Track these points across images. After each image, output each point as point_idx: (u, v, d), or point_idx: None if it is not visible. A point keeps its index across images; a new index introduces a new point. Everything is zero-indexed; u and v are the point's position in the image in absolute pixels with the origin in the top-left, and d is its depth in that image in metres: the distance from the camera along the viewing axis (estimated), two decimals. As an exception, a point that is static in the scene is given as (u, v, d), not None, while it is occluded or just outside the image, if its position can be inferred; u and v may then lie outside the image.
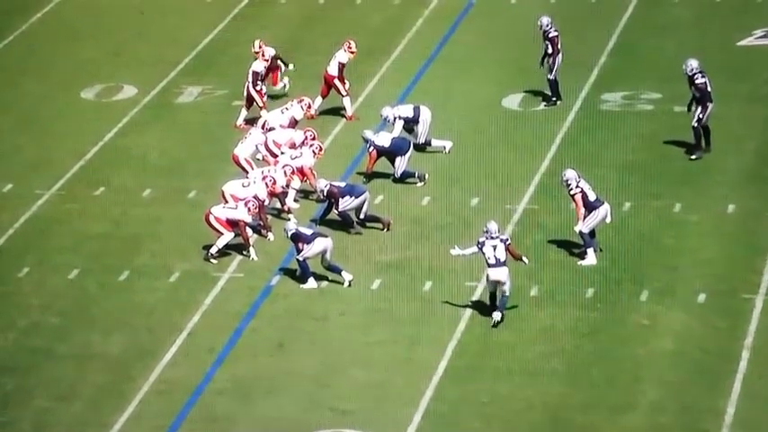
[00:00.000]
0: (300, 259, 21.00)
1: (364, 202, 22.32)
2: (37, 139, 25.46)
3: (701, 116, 23.50)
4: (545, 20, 25.37)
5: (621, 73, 26.72)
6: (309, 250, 20.91)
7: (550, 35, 25.25)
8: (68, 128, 25.85)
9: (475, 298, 20.57)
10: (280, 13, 29.76)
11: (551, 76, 25.43)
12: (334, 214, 22.46)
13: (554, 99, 25.66)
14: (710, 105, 23.51)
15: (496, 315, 19.92)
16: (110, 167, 24.49)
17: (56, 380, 19.20)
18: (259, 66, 25.41)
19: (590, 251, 21.31)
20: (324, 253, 20.98)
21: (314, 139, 23.54)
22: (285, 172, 22.71)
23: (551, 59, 25.29)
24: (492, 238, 19.89)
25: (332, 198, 22.28)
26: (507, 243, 19.95)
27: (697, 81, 23.40)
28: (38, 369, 19.41)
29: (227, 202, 22.26)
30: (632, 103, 25.81)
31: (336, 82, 25.62)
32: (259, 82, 25.39)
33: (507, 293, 19.92)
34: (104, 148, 25.15)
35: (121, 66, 27.90)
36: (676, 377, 18.75)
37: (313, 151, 23.12)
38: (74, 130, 25.73)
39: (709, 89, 23.47)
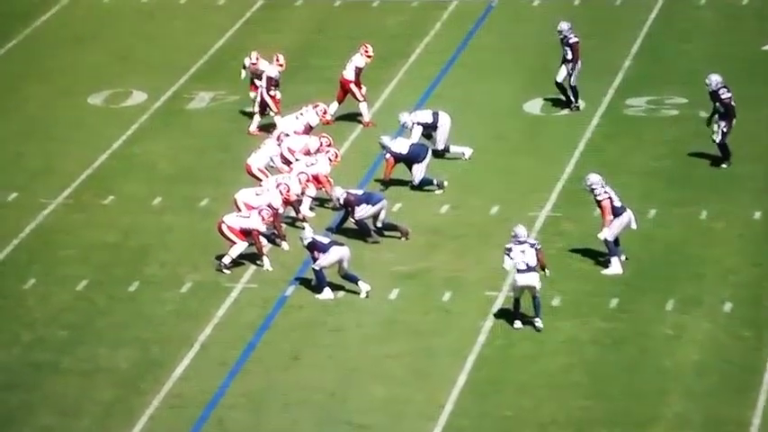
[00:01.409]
0: (316, 269, 20.54)
1: (381, 210, 21.89)
2: (42, 147, 25.18)
3: (725, 130, 23.02)
4: (564, 25, 24.99)
5: (646, 77, 26.44)
6: (325, 259, 20.48)
7: (571, 41, 24.91)
8: (75, 135, 25.58)
9: (495, 309, 20.13)
10: (293, 16, 29.45)
11: (573, 83, 24.96)
12: (350, 223, 22.00)
13: (576, 105, 25.20)
14: (734, 121, 23.03)
15: (538, 322, 19.58)
16: (118, 175, 24.21)
17: (62, 395, 18.88)
18: (273, 71, 25.04)
19: (614, 260, 20.83)
20: (340, 262, 20.55)
21: (329, 145, 23.11)
22: (300, 179, 22.26)
23: (571, 66, 24.84)
24: (520, 242, 19.43)
25: (348, 206, 21.84)
26: (537, 248, 19.50)
27: (722, 96, 23.01)
28: (43, 384, 19.09)
29: (240, 210, 21.81)
30: (657, 108, 25.54)
31: (353, 87, 25.23)
32: (273, 87, 24.97)
33: (538, 296, 19.51)
34: (113, 156, 24.87)
35: (130, 71, 27.62)
36: (702, 388, 18.48)
37: (329, 158, 22.69)
38: (81, 137, 25.46)
39: (733, 103, 23.00)
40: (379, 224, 21.97)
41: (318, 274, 20.62)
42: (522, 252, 19.44)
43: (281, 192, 21.92)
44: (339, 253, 20.55)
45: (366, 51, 25.29)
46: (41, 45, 28.79)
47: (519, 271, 19.47)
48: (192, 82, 27.18)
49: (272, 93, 25.05)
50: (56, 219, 23.03)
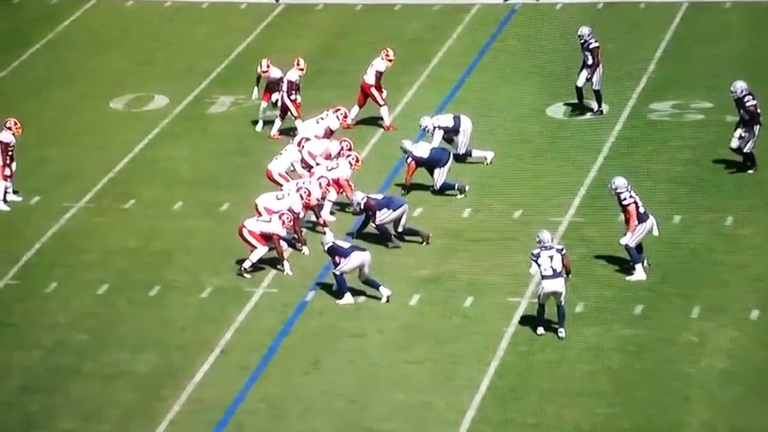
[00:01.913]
0: (337, 274, 20.40)
1: (402, 214, 21.74)
2: (64, 151, 25.12)
3: (743, 136, 22.75)
4: (585, 30, 24.80)
5: (671, 81, 26.16)
6: (346, 264, 20.34)
7: (591, 46, 24.69)
8: (97, 139, 25.51)
9: (518, 314, 19.95)
10: (315, 20, 29.32)
11: (594, 87, 24.80)
12: (371, 227, 21.85)
13: (600, 109, 24.98)
14: (758, 128, 22.78)
15: (561, 332, 19.40)
16: (139, 180, 24.11)
17: (83, 400, 18.79)
18: (294, 75, 24.89)
19: (638, 266, 20.62)
20: (361, 267, 20.41)
21: (350, 149, 22.98)
22: (320, 184, 22.14)
23: (592, 70, 24.61)
24: (546, 248, 19.25)
25: (369, 211, 21.69)
26: (563, 252, 19.30)
27: (747, 103, 22.76)
28: (64, 389, 19.00)
29: (260, 215, 21.70)
30: (682, 113, 25.28)
31: (373, 91, 25.08)
32: (294, 91, 24.84)
33: (564, 303, 19.32)
34: (134, 160, 24.78)
35: (152, 75, 27.55)
36: (728, 397, 18.25)
37: (349, 162, 22.56)
38: (102, 142, 25.39)
39: (759, 111, 22.75)
40: (399, 229, 21.80)
41: (339, 279, 20.47)
42: (550, 258, 19.24)
43: (301, 196, 21.78)
44: (360, 258, 20.40)
45: (387, 55, 25.13)
46: (64, 50, 28.74)
47: (545, 277, 19.28)
48: (213, 86, 27.06)
49: (292, 97, 24.91)
50: (77, 223, 22.94)
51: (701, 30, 28.01)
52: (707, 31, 27.95)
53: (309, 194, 21.86)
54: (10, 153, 23.37)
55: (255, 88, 25.03)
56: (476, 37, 28.16)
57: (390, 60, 25.18)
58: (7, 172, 23.34)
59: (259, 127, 25.17)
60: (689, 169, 23.49)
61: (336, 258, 20.43)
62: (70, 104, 26.68)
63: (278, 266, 21.37)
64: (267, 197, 22.03)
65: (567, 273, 19.49)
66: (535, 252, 19.37)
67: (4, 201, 23.42)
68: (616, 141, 24.47)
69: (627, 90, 25.84)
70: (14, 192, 23.62)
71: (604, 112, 25.22)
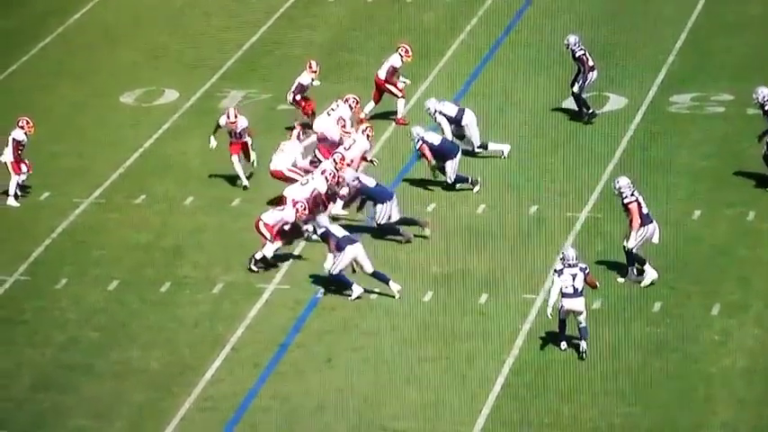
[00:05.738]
0: (334, 273, 20.10)
1: (390, 206, 21.32)
2: (74, 146, 24.94)
3: None
4: (572, 38, 24.24)
5: (691, 73, 25.84)
6: (340, 263, 20.08)
7: (576, 54, 24.10)
8: (107, 134, 25.34)
9: (534, 311, 19.65)
10: (327, 12, 29.08)
11: (576, 90, 24.07)
12: (370, 225, 21.49)
13: (588, 113, 24.31)
14: None
15: (583, 344, 18.96)
16: (150, 175, 23.92)
17: (94, 397, 18.66)
18: (306, 78, 24.54)
19: (647, 268, 20.13)
20: (356, 261, 20.03)
21: (357, 102, 22.62)
22: (335, 159, 21.88)
23: (582, 77, 24.02)
24: (570, 265, 18.84)
25: (358, 194, 21.36)
26: (587, 272, 18.90)
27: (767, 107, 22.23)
28: (75, 386, 18.87)
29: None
30: (702, 105, 24.97)
31: (389, 86, 24.80)
32: (299, 93, 24.49)
33: (584, 324, 18.89)
34: (145, 155, 24.58)
35: (162, 69, 27.35)
36: (750, 396, 18.01)
37: (367, 135, 22.38)
38: (113, 137, 25.22)
39: None
40: (382, 221, 21.24)
41: (337, 277, 20.14)
42: (573, 276, 18.79)
43: (326, 178, 21.56)
44: (353, 252, 20.01)
45: (406, 53, 24.74)
46: (74, 44, 28.57)
47: (565, 295, 18.84)
48: (224, 80, 26.86)
49: (297, 97, 24.49)
50: (88, 218, 22.79)
51: (723, 20, 27.64)
52: (728, 21, 27.59)
53: (334, 176, 21.64)
54: (20, 151, 23.19)
55: (212, 137, 23.19)
56: (490, 28, 27.87)
57: (408, 57, 24.83)
58: (24, 168, 23.16)
59: (246, 182, 22.99)
60: (710, 163, 23.17)
61: (331, 246, 20.00)
62: (80, 99, 26.50)
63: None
64: (294, 187, 21.66)
65: (594, 287, 19.01)
66: (558, 268, 18.91)
67: (15, 197, 23.23)
68: (635, 135, 24.17)
69: (646, 82, 25.54)
70: (24, 188, 23.41)
71: (586, 117, 24.54)
